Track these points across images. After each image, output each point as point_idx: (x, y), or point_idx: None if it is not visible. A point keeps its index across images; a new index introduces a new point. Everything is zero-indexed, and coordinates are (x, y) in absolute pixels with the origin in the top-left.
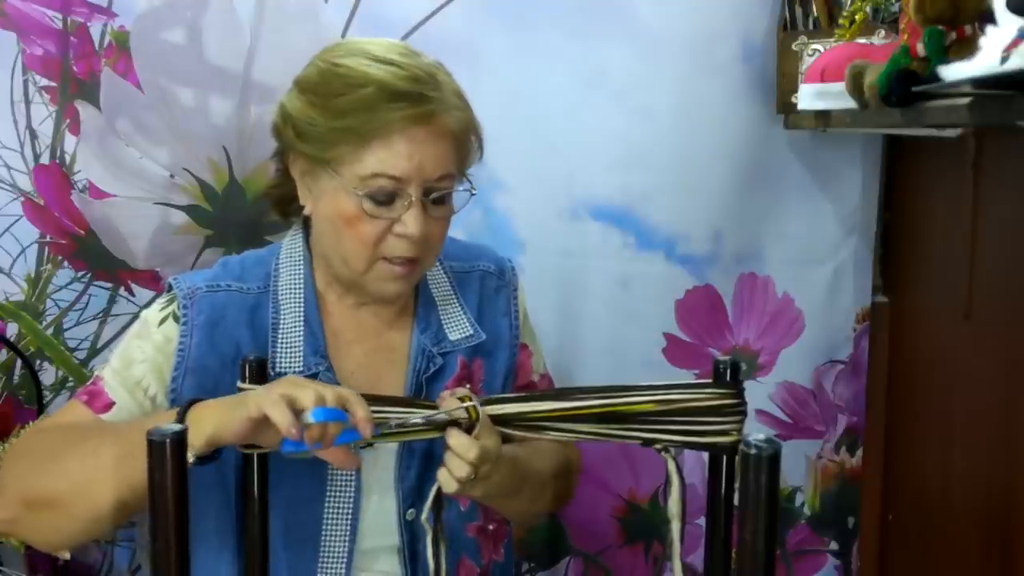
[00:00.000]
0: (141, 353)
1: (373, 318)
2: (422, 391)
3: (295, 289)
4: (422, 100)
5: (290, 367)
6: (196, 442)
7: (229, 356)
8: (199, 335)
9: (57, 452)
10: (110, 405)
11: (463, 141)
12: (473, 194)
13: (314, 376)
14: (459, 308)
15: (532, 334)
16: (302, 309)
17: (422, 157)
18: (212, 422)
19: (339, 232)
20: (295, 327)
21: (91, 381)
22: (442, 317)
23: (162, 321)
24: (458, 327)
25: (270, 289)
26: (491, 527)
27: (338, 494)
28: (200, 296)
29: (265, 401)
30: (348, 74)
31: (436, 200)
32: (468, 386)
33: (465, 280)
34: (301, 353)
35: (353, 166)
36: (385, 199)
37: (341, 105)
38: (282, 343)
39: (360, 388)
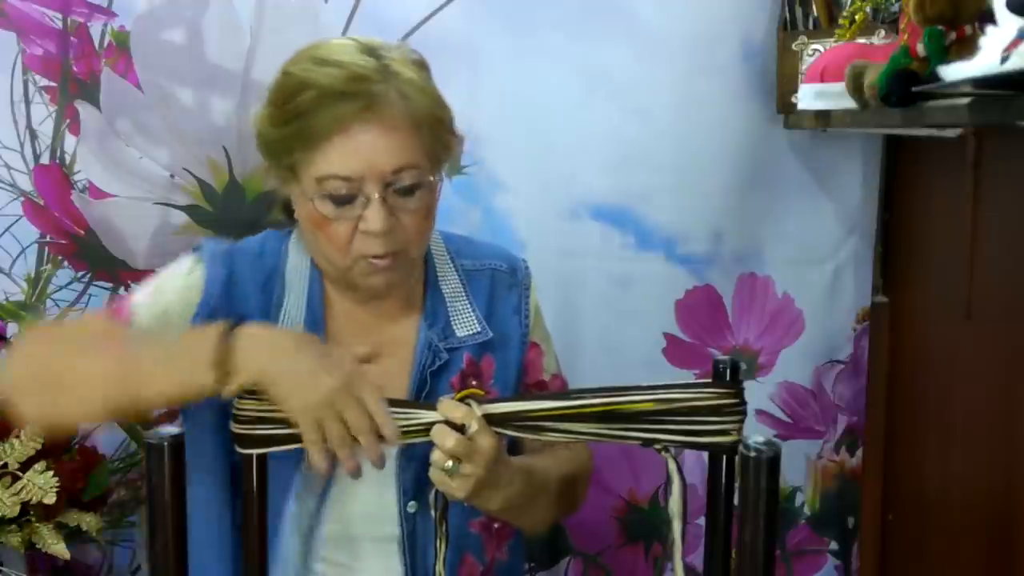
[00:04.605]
0: (173, 289)
1: (378, 311)
2: (426, 385)
3: (301, 272)
4: (362, 96)
5: None
6: (245, 373)
7: (244, 314)
8: (219, 289)
9: (83, 342)
10: (131, 324)
11: (420, 129)
12: (438, 180)
13: None
14: (468, 305)
15: (545, 334)
16: (306, 291)
17: (371, 152)
18: (266, 360)
19: (314, 235)
20: (298, 308)
21: (119, 299)
22: (450, 313)
23: (191, 271)
24: (466, 324)
25: (279, 268)
26: (496, 525)
27: (307, 484)
28: (222, 254)
29: (324, 414)
30: (291, 82)
31: (403, 192)
32: (475, 383)
33: (476, 278)
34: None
35: (308, 170)
36: (343, 199)
37: (286, 113)
38: (283, 322)
39: None
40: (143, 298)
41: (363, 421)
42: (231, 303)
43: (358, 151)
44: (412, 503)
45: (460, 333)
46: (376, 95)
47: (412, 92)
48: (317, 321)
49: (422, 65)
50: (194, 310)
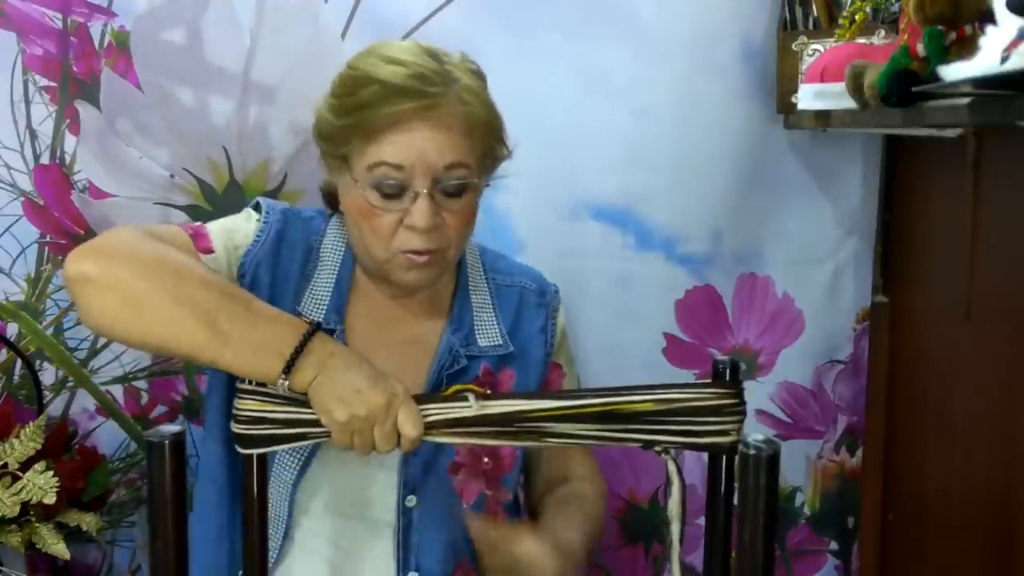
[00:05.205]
0: (242, 232)
1: (404, 307)
2: (441, 386)
3: (335, 254)
4: (422, 95)
5: (312, 315)
6: (301, 376)
7: (286, 272)
8: (271, 239)
9: (177, 269)
10: (209, 251)
11: (474, 134)
12: (486, 185)
13: (331, 332)
14: (493, 317)
15: (569, 358)
16: (336, 272)
17: (424, 147)
18: (327, 369)
19: (358, 226)
20: (325, 286)
21: (195, 225)
22: (475, 322)
23: (250, 218)
24: (489, 334)
25: (317, 244)
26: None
27: (284, 460)
28: (279, 211)
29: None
30: (358, 75)
31: (449, 193)
32: (489, 392)
33: (505, 293)
34: (325, 308)
35: (360, 159)
36: (393, 192)
37: (349, 104)
38: (309, 296)
39: None
40: (219, 232)
41: (390, 443)
42: (276, 259)
43: (411, 144)
44: (411, 497)
45: (482, 343)
46: (436, 95)
47: (470, 98)
48: (340, 304)
49: (479, 75)
50: (243, 252)
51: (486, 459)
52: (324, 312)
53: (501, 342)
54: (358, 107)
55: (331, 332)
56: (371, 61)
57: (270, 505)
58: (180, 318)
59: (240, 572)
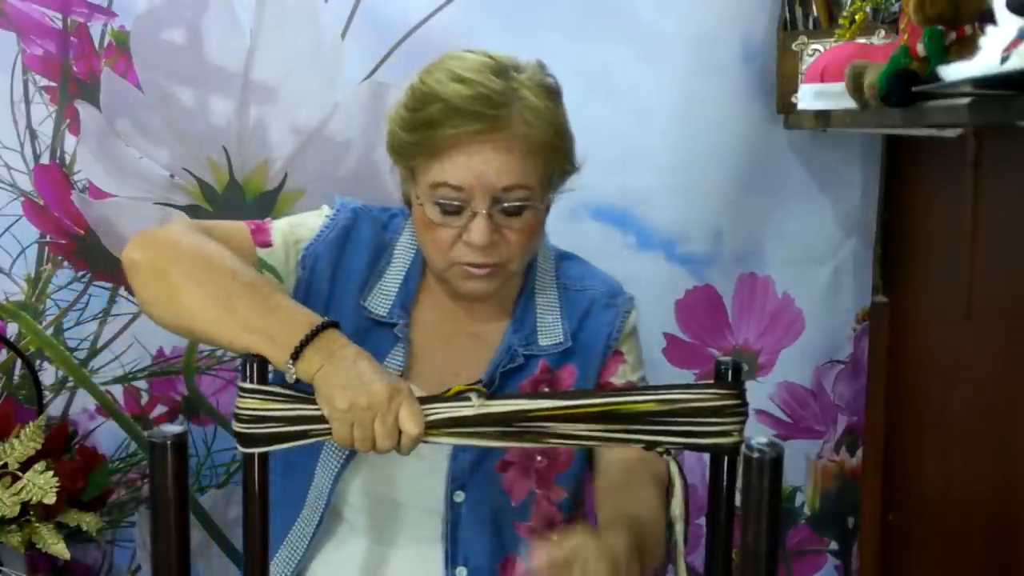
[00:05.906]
0: (307, 226)
1: (468, 307)
2: (494, 383)
3: (408, 252)
4: (483, 117)
5: (377, 309)
6: (308, 364)
7: (351, 267)
8: (334, 235)
9: (216, 262)
10: (267, 245)
11: (536, 156)
12: (547, 204)
13: (393, 326)
14: (558, 319)
15: (636, 351)
16: (407, 269)
17: (484, 169)
18: (332, 357)
19: (422, 234)
20: (394, 282)
21: (261, 221)
22: (538, 324)
23: (320, 213)
24: (551, 334)
25: (392, 242)
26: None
27: (329, 454)
28: (350, 210)
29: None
30: (425, 91)
31: (509, 212)
32: (547, 390)
33: (574, 298)
34: (391, 303)
35: (425, 175)
36: (453, 209)
37: (415, 120)
38: (378, 290)
39: (439, 368)
40: (283, 227)
41: (391, 439)
42: (340, 254)
43: (471, 165)
44: (459, 492)
45: (543, 342)
46: (498, 118)
47: (534, 119)
48: (407, 300)
49: (551, 90)
50: (304, 245)
51: (539, 457)
52: (389, 306)
53: (563, 339)
54: (423, 124)
55: (393, 325)
56: (438, 76)
57: (314, 487)
58: (205, 304)
59: (279, 546)
